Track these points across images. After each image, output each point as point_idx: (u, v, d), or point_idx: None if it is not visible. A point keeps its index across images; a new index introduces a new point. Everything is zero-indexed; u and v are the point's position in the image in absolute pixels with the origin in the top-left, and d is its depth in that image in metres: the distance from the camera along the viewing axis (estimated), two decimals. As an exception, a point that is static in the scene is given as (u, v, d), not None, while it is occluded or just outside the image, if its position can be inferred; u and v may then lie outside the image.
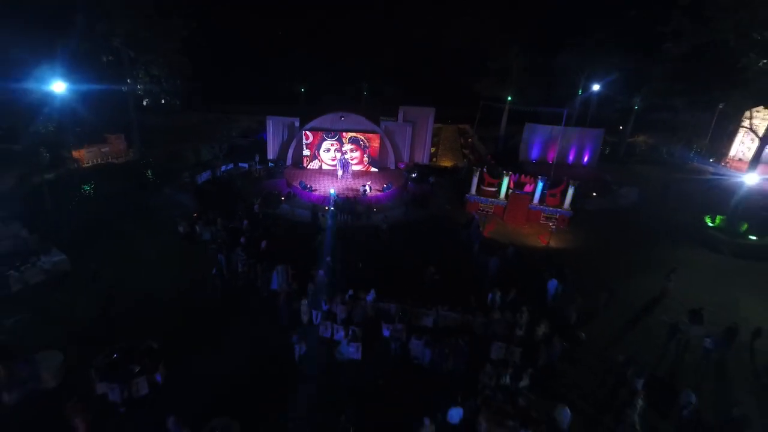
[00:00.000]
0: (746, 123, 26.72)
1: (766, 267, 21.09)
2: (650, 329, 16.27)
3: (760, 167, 25.36)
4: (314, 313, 15.52)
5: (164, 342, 13.45)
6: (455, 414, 11.67)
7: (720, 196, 25.97)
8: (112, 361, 12.66)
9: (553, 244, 22.31)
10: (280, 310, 15.74)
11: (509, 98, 37.18)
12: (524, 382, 13.12)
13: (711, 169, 33.01)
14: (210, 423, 10.98)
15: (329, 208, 23.75)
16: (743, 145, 34.88)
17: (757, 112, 29.19)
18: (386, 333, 14.87)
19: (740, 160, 34.46)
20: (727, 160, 35.66)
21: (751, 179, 22.06)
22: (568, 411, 11.68)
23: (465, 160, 34.53)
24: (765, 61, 19.82)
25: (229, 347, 14.22)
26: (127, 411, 11.86)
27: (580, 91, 34.98)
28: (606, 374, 13.73)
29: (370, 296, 16.02)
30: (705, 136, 37.40)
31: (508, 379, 13.08)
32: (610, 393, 13.03)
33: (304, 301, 15.66)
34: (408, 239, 21.95)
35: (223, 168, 29.38)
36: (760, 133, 23.93)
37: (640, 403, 11.57)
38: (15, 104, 21.12)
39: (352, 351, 14.21)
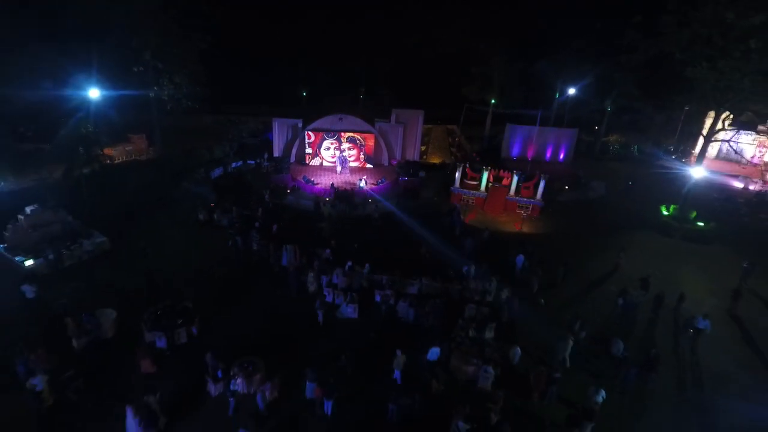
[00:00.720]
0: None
1: (708, 249, 24.43)
2: (600, 296, 19.52)
3: (707, 162, 28.57)
4: (323, 278, 18.66)
5: (196, 303, 16.59)
6: (434, 352, 14.81)
7: (678, 188, 29.07)
8: (157, 317, 15.83)
9: (525, 229, 25.53)
10: (289, 282, 18.92)
11: (493, 101, 40.43)
12: (489, 334, 16.32)
13: (676, 165, 36.17)
14: (239, 359, 14.12)
15: (329, 199, 26.92)
16: (708, 144, 38.09)
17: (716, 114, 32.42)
18: (378, 299, 18.05)
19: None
20: (692, 158, 38.90)
21: (697, 173, 25.30)
22: (519, 350, 14.96)
23: (452, 157, 37.72)
24: (706, 70, 22.98)
25: (249, 309, 17.41)
26: (171, 354, 15.00)
27: (557, 95, 38.11)
28: (555, 327, 16.88)
29: (365, 269, 19.20)
30: (673, 136, 40.67)
31: (476, 332, 16.29)
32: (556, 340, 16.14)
33: (311, 275, 18.81)
34: (399, 225, 25.10)
35: (233, 165, 32.47)
36: (705, 133, 27.19)
37: (570, 342, 14.78)
38: (55, 110, 24.17)
39: (350, 311, 17.39)
